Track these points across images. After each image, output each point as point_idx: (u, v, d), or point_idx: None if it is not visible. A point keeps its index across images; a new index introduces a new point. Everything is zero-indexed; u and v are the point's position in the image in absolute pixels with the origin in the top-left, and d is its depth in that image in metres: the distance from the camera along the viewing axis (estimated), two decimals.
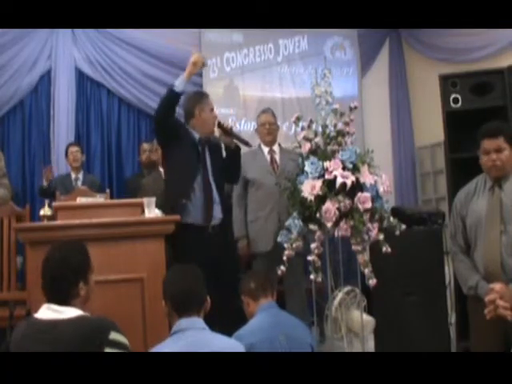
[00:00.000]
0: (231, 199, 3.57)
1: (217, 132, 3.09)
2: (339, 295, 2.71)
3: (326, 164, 2.54)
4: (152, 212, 2.72)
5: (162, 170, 3.94)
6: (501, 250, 2.32)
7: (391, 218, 2.64)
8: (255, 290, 2.39)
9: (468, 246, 2.48)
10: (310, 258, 2.58)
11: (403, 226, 2.65)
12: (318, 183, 2.52)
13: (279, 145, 3.71)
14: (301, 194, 2.56)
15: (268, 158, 3.61)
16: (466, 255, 2.48)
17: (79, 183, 4.43)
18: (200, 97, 3.19)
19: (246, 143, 3.09)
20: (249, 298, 2.39)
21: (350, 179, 2.51)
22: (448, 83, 3.80)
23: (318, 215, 2.52)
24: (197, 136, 3.05)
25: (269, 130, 3.62)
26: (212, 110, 3.11)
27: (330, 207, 2.48)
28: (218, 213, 3.00)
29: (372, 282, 2.57)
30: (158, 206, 2.72)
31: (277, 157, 3.62)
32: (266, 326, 2.27)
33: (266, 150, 3.64)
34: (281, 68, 5.61)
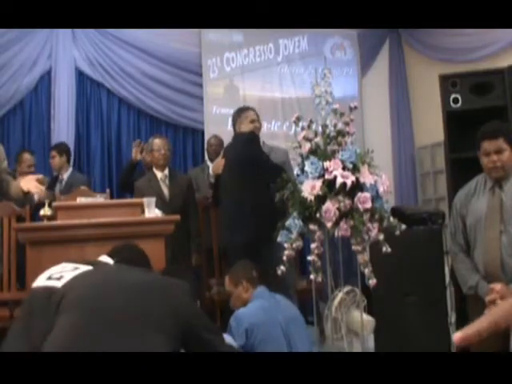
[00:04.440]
0: None
1: None
2: (339, 295, 2.71)
3: (326, 164, 2.53)
4: (152, 212, 2.72)
5: (155, 170, 3.95)
6: (501, 250, 2.32)
7: (391, 218, 2.63)
8: (257, 277, 2.59)
9: (468, 245, 2.48)
10: (310, 257, 2.57)
11: (403, 226, 2.64)
12: (318, 183, 2.51)
13: (263, 142, 3.79)
14: (301, 194, 2.56)
15: None
16: (466, 255, 2.48)
17: (63, 183, 4.45)
18: (237, 113, 3.59)
19: None
20: (249, 285, 2.55)
21: (350, 179, 2.50)
22: (448, 83, 3.81)
23: (318, 215, 2.52)
24: None
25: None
26: (252, 120, 3.50)
27: (330, 207, 2.47)
28: None
29: (372, 282, 2.56)
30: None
31: None
32: (265, 307, 2.45)
33: None
34: (281, 68, 5.62)
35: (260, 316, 2.39)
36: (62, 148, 4.60)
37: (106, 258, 2.02)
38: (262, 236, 3.09)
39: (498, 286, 2.21)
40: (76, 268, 1.82)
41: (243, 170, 3.34)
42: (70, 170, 4.58)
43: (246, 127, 3.48)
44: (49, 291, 1.73)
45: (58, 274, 1.79)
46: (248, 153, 3.36)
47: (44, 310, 1.69)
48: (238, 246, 3.14)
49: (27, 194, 2.52)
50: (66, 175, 4.51)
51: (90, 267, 1.84)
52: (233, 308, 2.57)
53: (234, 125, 3.61)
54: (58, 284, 1.75)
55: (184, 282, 1.86)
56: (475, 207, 2.45)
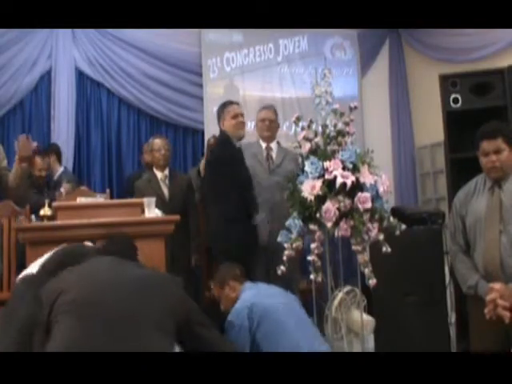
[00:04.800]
0: None
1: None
2: (339, 295, 2.71)
3: (326, 164, 2.54)
4: (152, 212, 2.72)
5: (156, 171, 3.95)
6: (500, 250, 2.32)
7: (391, 218, 2.63)
8: (240, 275, 2.63)
9: (468, 245, 2.48)
10: (310, 257, 2.57)
11: (403, 226, 2.65)
12: (318, 183, 2.51)
13: (278, 143, 3.74)
14: (301, 194, 2.56)
15: (264, 153, 3.63)
16: (466, 255, 2.48)
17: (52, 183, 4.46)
18: (220, 108, 3.40)
19: None
20: (236, 283, 2.58)
21: (350, 179, 2.50)
22: (448, 83, 3.81)
23: (318, 215, 2.52)
24: (237, 144, 3.30)
25: (268, 126, 3.66)
26: (235, 116, 3.30)
27: (330, 207, 2.48)
28: None
29: (372, 282, 2.57)
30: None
31: (273, 154, 3.64)
32: (257, 292, 2.51)
33: (263, 145, 3.68)
34: (281, 68, 5.62)
35: (256, 297, 2.43)
36: (52, 148, 4.60)
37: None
38: (236, 244, 3.05)
39: (497, 286, 2.21)
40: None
41: (208, 175, 3.32)
42: (61, 169, 4.57)
43: (228, 124, 3.31)
44: (25, 280, 1.78)
45: (32, 264, 1.86)
46: (213, 156, 3.27)
47: (23, 297, 1.72)
48: (219, 255, 3.11)
49: (23, 163, 2.52)
50: (56, 175, 4.50)
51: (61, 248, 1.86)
52: (224, 310, 2.56)
53: (218, 122, 3.42)
54: (30, 270, 1.80)
55: (179, 277, 1.86)
56: (475, 207, 2.44)
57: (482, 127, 2.46)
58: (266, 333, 2.32)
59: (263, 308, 2.37)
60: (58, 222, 2.59)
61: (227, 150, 3.24)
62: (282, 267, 2.58)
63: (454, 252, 2.54)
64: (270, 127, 3.68)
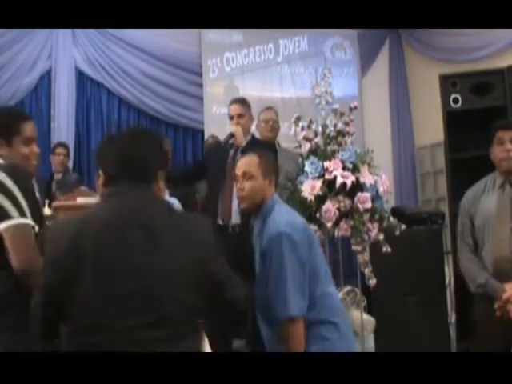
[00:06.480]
0: None
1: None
2: (339, 295, 2.71)
3: (326, 164, 2.54)
4: None
5: None
6: (511, 248, 2.29)
7: (391, 218, 2.63)
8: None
9: (476, 244, 2.44)
10: None
11: (403, 226, 2.65)
12: (318, 183, 2.52)
13: (278, 143, 3.74)
14: (301, 194, 2.56)
15: None
16: (475, 254, 2.44)
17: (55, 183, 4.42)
18: None
19: None
20: (274, 187, 2.20)
21: (350, 179, 2.51)
22: (448, 83, 3.80)
23: (318, 215, 2.52)
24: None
25: (271, 127, 3.67)
26: (231, 117, 3.40)
27: (330, 207, 2.48)
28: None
29: (372, 282, 2.57)
30: None
31: None
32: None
33: None
34: (281, 68, 5.62)
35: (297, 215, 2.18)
36: (66, 147, 4.57)
37: None
38: None
39: (510, 285, 2.21)
40: None
41: None
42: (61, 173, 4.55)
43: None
44: None
45: None
46: None
47: None
48: None
49: None
50: (60, 175, 4.48)
51: None
52: (244, 195, 2.14)
53: None
54: None
55: (207, 219, 1.57)
56: (484, 205, 2.40)
57: (498, 121, 2.44)
58: (316, 254, 2.08)
59: (311, 233, 2.16)
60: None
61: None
62: None
63: (461, 251, 2.51)
64: (272, 128, 3.70)
